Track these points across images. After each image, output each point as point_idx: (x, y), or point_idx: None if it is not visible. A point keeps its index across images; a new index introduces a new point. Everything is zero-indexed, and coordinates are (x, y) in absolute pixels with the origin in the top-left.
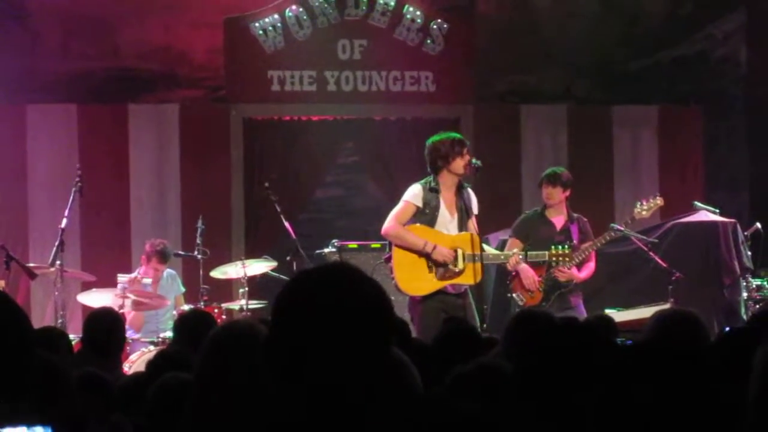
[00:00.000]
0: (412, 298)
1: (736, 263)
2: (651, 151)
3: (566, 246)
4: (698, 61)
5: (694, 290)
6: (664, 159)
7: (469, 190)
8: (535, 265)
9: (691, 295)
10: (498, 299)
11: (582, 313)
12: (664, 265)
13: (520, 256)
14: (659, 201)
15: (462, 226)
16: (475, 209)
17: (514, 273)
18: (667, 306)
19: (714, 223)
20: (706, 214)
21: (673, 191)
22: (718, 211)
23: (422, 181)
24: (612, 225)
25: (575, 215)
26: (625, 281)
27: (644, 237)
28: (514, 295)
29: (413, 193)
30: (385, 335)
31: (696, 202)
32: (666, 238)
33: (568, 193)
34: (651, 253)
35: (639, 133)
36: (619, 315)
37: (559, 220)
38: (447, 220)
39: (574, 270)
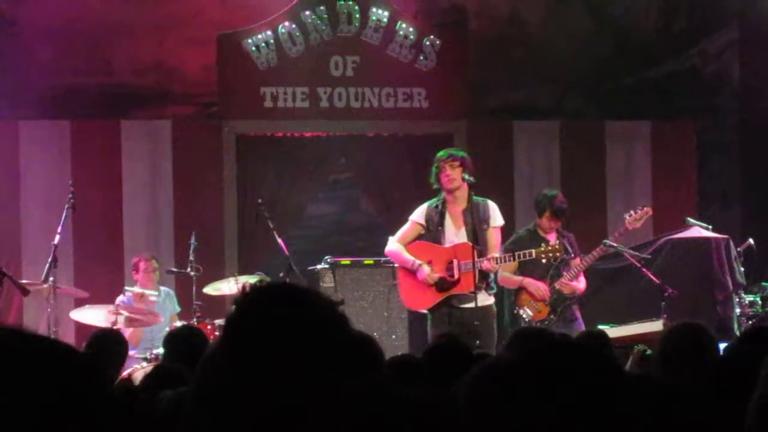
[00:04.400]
0: (427, 315)
1: (728, 279)
2: (644, 167)
3: (555, 243)
4: (690, 76)
5: (686, 306)
6: (656, 174)
7: (489, 203)
8: (540, 278)
9: (684, 311)
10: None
11: (581, 325)
12: (657, 281)
13: (496, 256)
14: (648, 210)
15: (470, 237)
16: (494, 221)
17: (517, 288)
18: (659, 322)
19: (707, 239)
20: (698, 230)
21: (665, 207)
22: (710, 227)
23: (430, 200)
24: (605, 241)
25: (564, 232)
26: (617, 297)
27: (637, 253)
28: (520, 310)
29: (416, 213)
30: (339, 352)
31: (688, 218)
32: (658, 254)
33: None
34: (644, 269)
35: (632, 148)
36: (611, 331)
37: (551, 236)
38: (453, 233)
39: (576, 282)
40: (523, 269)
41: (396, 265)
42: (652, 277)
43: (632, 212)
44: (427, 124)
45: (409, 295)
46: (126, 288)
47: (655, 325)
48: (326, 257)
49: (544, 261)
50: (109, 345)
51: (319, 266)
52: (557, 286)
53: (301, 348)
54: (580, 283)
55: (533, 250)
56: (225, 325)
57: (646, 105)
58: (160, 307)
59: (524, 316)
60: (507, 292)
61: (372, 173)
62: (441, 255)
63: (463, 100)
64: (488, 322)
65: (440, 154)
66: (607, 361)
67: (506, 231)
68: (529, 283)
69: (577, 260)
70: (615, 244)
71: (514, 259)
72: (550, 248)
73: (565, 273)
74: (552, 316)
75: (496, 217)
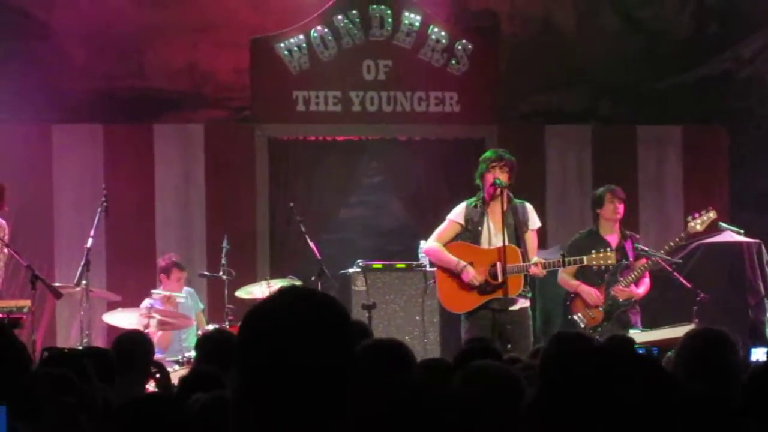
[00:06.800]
0: (462, 316)
1: (760, 283)
2: (676, 171)
3: (607, 249)
4: (723, 80)
5: (718, 311)
6: (688, 179)
7: (526, 205)
8: (593, 284)
9: (716, 316)
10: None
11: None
12: (689, 285)
13: (543, 262)
14: (712, 214)
15: (511, 240)
16: (533, 223)
17: (573, 293)
18: (691, 326)
19: (738, 244)
20: (730, 235)
21: (697, 211)
22: (742, 231)
23: (469, 199)
24: (636, 245)
25: (627, 232)
26: (649, 302)
27: (669, 257)
28: (574, 316)
29: (456, 212)
30: (348, 351)
31: (720, 223)
32: (690, 258)
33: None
34: (675, 274)
35: (664, 152)
36: (643, 335)
37: (613, 238)
38: (492, 235)
39: (632, 287)
40: (580, 273)
41: (428, 267)
42: (683, 281)
43: (696, 215)
44: (458, 128)
45: (449, 297)
46: (153, 291)
47: (687, 330)
48: (358, 261)
49: (594, 268)
50: (131, 347)
51: (350, 270)
52: (613, 292)
53: (300, 347)
54: (641, 288)
55: (584, 257)
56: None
57: (679, 109)
58: (184, 307)
59: (579, 322)
60: (540, 298)
61: (404, 177)
62: (483, 257)
63: (494, 104)
64: (526, 325)
65: (489, 154)
66: (639, 367)
67: (538, 234)
68: (583, 289)
69: (643, 261)
70: (646, 249)
71: (563, 265)
72: (602, 256)
73: (621, 278)
74: (605, 323)
75: (535, 220)
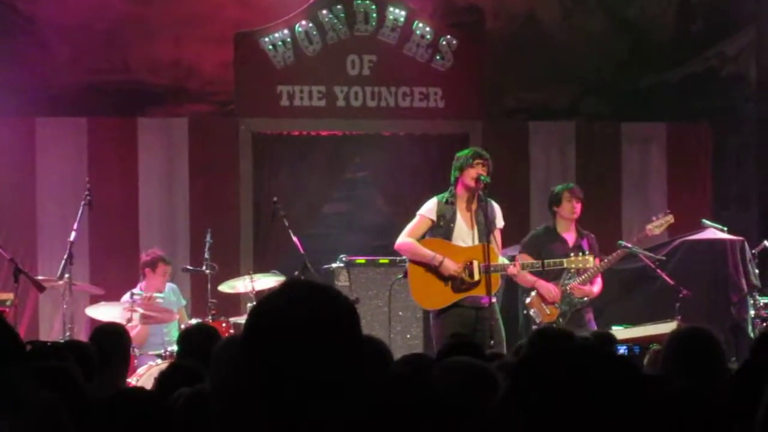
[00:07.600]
0: (432, 313)
1: (743, 281)
2: (659, 168)
3: (585, 252)
4: (707, 78)
5: (701, 308)
6: (672, 176)
7: (493, 204)
8: (552, 280)
9: (699, 313)
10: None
11: (594, 329)
12: (672, 282)
13: (523, 265)
14: (670, 218)
15: (482, 238)
16: (499, 222)
17: (529, 289)
18: (674, 323)
19: (722, 241)
20: (714, 232)
21: (681, 208)
22: (725, 228)
23: (440, 195)
24: (620, 242)
25: (584, 231)
26: (632, 298)
27: (652, 254)
28: (530, 311)
29: (427, 207)
30: (354, 347)
31: (704, 220)
32: (674, 255)
33: None
34: (658, 271)
35: (647, 149)
36: (626, 332)
37: (570, 236)
38: (464, 232)
39: (588, 285)
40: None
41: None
42: (666, 278)
43: (654, 218)
44: (443, 123)
45: (422, 292)
46: (134, 291)
47: (670, 327)
48: (341, 256)
49: (572, 270)
50: (109, 339)
51: (334, 265)
52: (569, 289)
53: (311, 342)
54: (595, 286)
55: (564, 260)
56: (244, 325)
57: (663, 106)
58: (167, 302)
59: (535, 318)
60: (521, 295)
61: (387, 172)
62: (458, 254)
63: (479, 100)
64: (498, 322)
65: (469, 152)
66: (623, 362)
67: (521, 231)
68: (541, 285)
69: (596, 261)
70: (630, 246)
71: (542, 267)
72: (581, 259)
73: (578, 276)
74: (561, 320)
75: (500, 219)
